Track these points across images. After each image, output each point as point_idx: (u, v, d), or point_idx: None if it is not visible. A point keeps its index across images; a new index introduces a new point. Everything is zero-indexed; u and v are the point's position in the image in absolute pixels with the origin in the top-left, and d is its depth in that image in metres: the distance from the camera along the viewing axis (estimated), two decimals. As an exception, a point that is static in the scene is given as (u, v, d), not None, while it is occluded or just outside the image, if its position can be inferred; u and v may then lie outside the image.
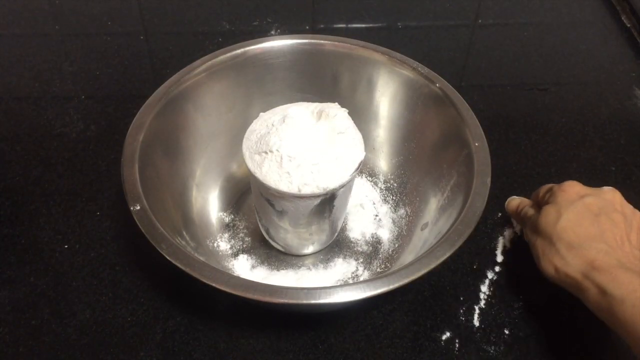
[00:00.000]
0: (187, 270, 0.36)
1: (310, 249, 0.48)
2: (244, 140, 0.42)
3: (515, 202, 0.49)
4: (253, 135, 0.42)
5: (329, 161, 0.39)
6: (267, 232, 0.47)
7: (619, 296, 0.35)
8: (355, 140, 0.41)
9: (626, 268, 0.37)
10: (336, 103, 0.42)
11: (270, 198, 0.41)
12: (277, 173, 0.39)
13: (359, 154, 0.41)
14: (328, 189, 0.39)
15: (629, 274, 0.36)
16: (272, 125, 0.40)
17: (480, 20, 0.76)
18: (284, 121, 0.40)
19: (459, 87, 0.49)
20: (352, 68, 0.52)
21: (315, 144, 0.39)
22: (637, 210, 0.43)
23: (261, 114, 0.43)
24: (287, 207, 0.41)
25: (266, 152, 0.39)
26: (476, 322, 0.44)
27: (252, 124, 0.43)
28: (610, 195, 0.43)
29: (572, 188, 0.43)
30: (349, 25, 0.74)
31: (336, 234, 0.49)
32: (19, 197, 0.52)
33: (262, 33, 0.71)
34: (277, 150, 0.39)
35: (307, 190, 0.39)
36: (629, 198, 0.49)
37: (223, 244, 0.49)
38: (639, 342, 0.34)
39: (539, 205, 0.45)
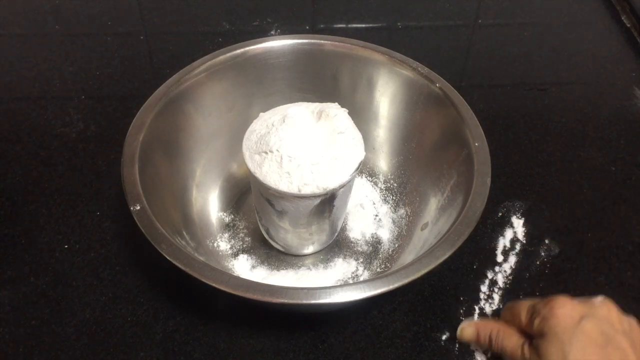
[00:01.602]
0: (187, 270, 0.36)
1: (310, 249, 0.48)
2: (244, 140, 0.42)
3: (471, 330, 0.41)
4: (253, 135, 0.42)
5: (329, 161, 0.39)
6: (267, 232, 0.47)
7: None
8: (355, 140, 0.41)
9: None
10: (336, 103, 0.42)
11: (270, 198, 0.41)
12: (277, 173, 0.39)
13: (359, 154, 0.41)
14: (328, 189, 0.39)
15: None
16: (272, 125, 0.40)
17: (480, 20, 0.76)
18: (284, 121, 0.40)
19: (459, 87, 0.49)
20: (352, 68, 0.52)
21: (315, 144, 0.39)
22: (630, 320, 0.38)
23: (261, 114, 0.43)
24: (287, 207, 0.41)
25: (266, 152, 0.39)
26: (476, 322, 0.44)
27: (252, 124, 0.43)
28: (606, 311, 0.37)
29: (563, 310, 0.36)
30: (349, 25, 0.74)
31: (336, 234, 0.49)
32: (19, 197, 0.52)
33: (262, 33, 0.71)
34: (277, 150, 0.39)
35: (307, 190, 0.39)
36: (629, 199, 0.49)
37: (223, 244, 0.49)
38: None
39: (522, 330, 0.39)
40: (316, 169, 0.39)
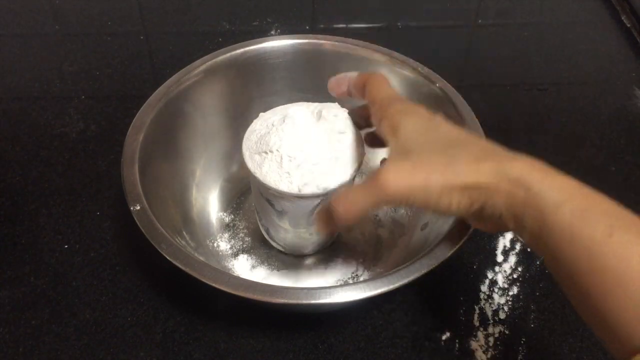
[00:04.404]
0: (187, 270, 0.36)
1: (310, 249, 0.48)
2: (244, 140, 0.42)
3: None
4: (253, 135, 0.42)
5: (329, 161, 0.39)
6: (267, 232, 0.47)
7: (556, 200, 0.28)
8: (356, 140, 0.41)
9: (553, 170, 0.31)
10: (336, 103, 0.42)
11: (270, 198, 0.41)
12: (277, 173, 0.39)
13: (360, 154, 0.41)
14: (328, 189, 0.39)
15: (561, 175, 0.30)
16: (272, 125, 0.40)
17: (480, 21, 0.76)
18: (284, 121, 0.40)
19: (459, 87, 0.49)
20: (352, 68, 0.51)
21: (315, 144, 0.39)
22: None
23: (261, 114, 0.43)
24: (287, 207, 0.41)
25: (266, 152, 0.39)
26: (476, 322, 0.44)
27: (252, 124, 0.43)
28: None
29: (394, 108, 0.36)
30: (349, 25, 0.74)
31: (336, 234, 0.49)
32: (19, 197, 0.52)
33: (262, 33, 0.71)
34: (277, 150, 0.39)
35: (307, 190, 0.39)
36: (628, 198, 0.49)
37: (223, 244, 0.49)
38: (574, 256, 0.27)
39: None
40: (316, 169, 0.39)
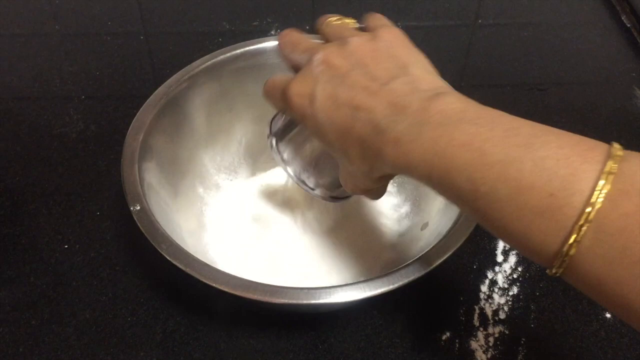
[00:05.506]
0: (187, 270, 0.36)
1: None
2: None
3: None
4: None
5: None
6: (306, 181, 0.43)
7: (456, 112, 0.30)
8: None
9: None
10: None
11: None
12: None
13: None
14: None
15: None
16: None
17: (480, 20, 0.76)
18: None
19: (459, 87, 0.48)
20: (352, 68, 0.52)
21: None
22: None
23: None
24: None
25: None
26: (476, 322, 0.44)
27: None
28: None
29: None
30: (349, 25, 0.74)
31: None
32: (19, 197, 0.52)
33: (262, 33, 0.71)
34: None
35: None
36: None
37: (223, 244, 0.49)
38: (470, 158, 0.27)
39: None
40: None
